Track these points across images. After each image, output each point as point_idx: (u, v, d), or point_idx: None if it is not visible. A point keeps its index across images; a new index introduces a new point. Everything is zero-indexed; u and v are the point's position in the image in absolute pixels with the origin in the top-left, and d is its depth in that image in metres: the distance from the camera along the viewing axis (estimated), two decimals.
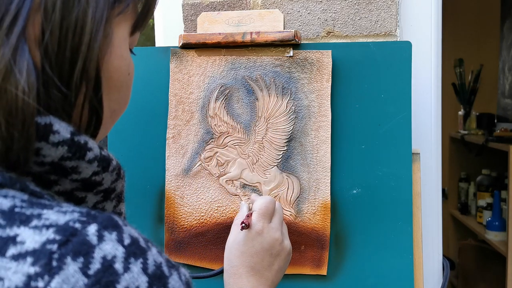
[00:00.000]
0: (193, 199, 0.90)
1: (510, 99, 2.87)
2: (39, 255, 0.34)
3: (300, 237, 0.87)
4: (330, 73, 0.87)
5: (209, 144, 0.91)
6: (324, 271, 0.86)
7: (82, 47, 0.42)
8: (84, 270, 0.34)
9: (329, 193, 0.87)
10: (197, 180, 0.90)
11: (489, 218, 2.48)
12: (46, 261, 0.34)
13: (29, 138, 0.39)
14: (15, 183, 0.39)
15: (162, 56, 0.93)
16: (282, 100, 0.89)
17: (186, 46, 0.92)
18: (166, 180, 0.91)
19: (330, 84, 0.87)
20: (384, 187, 0.86)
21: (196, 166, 0.91)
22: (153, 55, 0.94)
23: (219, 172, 0.90)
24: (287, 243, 0.73)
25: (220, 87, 0.91)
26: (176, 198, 0.91)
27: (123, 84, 0.50)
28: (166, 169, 0.91)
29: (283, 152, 0.89)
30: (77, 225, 0.36)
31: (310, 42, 0.97)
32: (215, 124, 0.91)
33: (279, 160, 0.89)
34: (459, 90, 2.88)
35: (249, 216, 0.71)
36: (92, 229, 0.36)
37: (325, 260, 0.86)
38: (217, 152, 0.91)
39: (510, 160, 2.16)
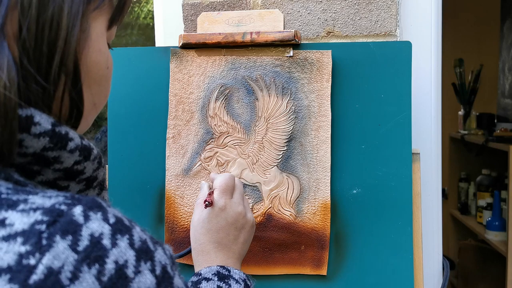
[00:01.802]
0: (193, 199, 0.90)
1: (510, 99, 2.87)
2: (29, 235, 0.35)
3: (300, 237, 0.87)
4: (330, 73, 0.87)
5: (209, 144, 0.91)
6: (324, 271, 0.86)
7: (59, 42, 0.44)
8: (73, 247, 0.36)
9: (329, 193, 0.87)
10: (197, 180, 0.90)
11: (489, 218, 2.48)
12: (36, 240, 0.35)
13: (12, 131, 0.41)
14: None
15: (162, 56, 0.93)
16: (282, 100, 0.89)
17: (186, 46, 0.92)
18: (166, 180, 0.91)
19: (330, 84, 0.87)
20: (384, 187, 0.86)
21: (196, 166, 0.91)
22: (153, 55, 0.94)
23: (219, 172, 0.90)
24: (250, 215, 0.74)
25: (220, 87, 0.91)
26: (176, 198, 0.91)
27: (102, 77, 0.51)
28: (166, 169, 0.91)
29: (283, 152, 0.89)
30: (63, 207, 0.37)
31: (310, 42, 0.97)
32: (215, 124, 0.91)
33: (279, 160, 0.89)
34: (459, 90, 2.88)
35: (210, 194, 0.72)
36: (77, 210, 0.38)
37: (325, 260, 0.86)
38: (217, 152, 0.91)
39: (510, 160, 2.16)
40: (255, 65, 0.90)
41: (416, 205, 0.86)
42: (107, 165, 0.94)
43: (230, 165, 0.90)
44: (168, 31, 1.12)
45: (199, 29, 0.92)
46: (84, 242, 0.36)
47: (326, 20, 0.98)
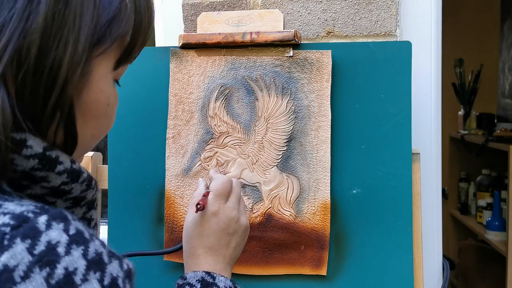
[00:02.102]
0: None
1: (510, 99, 2.87)
2: None
3: (300, 237, 0.87)
4: (330, 73, 0.87)
5: (209, 144, 0.91)
6: (324, 271, 0.86)
7: (55, 88, 0.47)
8: (30, 250, 0.40)
9: (329, 193, 0.87)
10: (197, 180, 0.90)
11: (489, 218, 2.48)
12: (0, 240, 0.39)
13: (5, 156, 0.45)
14: None
15: (162, 56, 0.93)
16: (282, 100, 0.89)
17: (186, 46, 0.92)
18: (166, 180, 0.91)
19: (330, 84, 0.87)
20: (384, 187, 0.86)
21: (196, 166, 0.91)
22: (153, 55, 0.94)
23: (219, 172, 0.90)
24: (243, 220, 0.74)
25: (220, 87, 0.91)
26: (176, 198, 0.91)
27: (101, 114, 0.55)
28: (166, 169, 0.91)
29: (283, 152, 0.89)
30: (30, 215, 0.42)
31: (310, 42, 0.97)
32: (215, 124, 0.91)
33: (279, 160, 0.89)
34: (459, 90, 2.88)
35: (205, 196, 0.72)
36: (42, 219, 0.42)
37: (325, 260, 0.86)
38: (217, 152, 0.91)
39: (510, 160, 2.16)
40: (255, 65, 0.90)
41: (416, 205, 0.86)
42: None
43: (230, 165, 0.90)
44: (168, 31, 1.12)
45: (199, 29, 0.92)
46: (40, 247, 0.40)
47: (326, 20, 0.98)
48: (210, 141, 0.91)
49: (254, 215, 0.89)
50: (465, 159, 2.92)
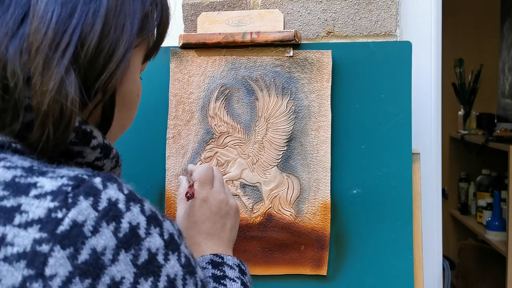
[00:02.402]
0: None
1: (510, 99, 2.87)
2: (57, 194, 0.42)
3: (300, 237, 0.87)
4: (330, 73, 0.87)
5: (209, 144, 0.91)
6: (324, 271, 0.86)
7: (110, 65, 0.50)
8: (94, 206, 0.42)
9: (329, 193, 0.87)
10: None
11: (489, 218, 2.48)
12: (63, 198, 0.42)
13: (68, 131, 0.48)
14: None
15: (162, 56, 0.93)
16: (282, 100, 0.89)
17: (186, 46, 0.92)
18: (166, 180, 0.91)
19: (330, 84, 0.87)
20: (384, 187, 0.86)
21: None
22: None
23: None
24: (233, 201, 0.75)
25: (220, 87, 0.91)
26: (176, 198, 0.91)
27: (132, 104, 0.59)
28: (166, 169, 0.91)
29: (283, 152, 0.89)
30: (85, 176, 0.44)
31: (310, 42, 0.97)
32: (215, 124, 0.91)
33: (279, 160, 0.89)
34: (459, 90, 2.88)
35: (191, 186, 0.73)
36: (97, 179, 0.44)
37: (325, 260, 0.86)
38: (217, 152, 0.91)
39: (510, 160, 2.16)
40: (255, 65, 0.90)
41: (416, 205, 0.86)
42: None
43: (230, 165, 0.90)
44: (168, 31, 1.12)
45: (199, 29, 0.92)
46: (103, 204, 0.42)
47: (326, 20, 0.98)
48: (210, 141, 0.91)
49: (254, 215, 0.89)
50: (465, 159, 2.92)
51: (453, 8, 2.91)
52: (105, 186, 0.44)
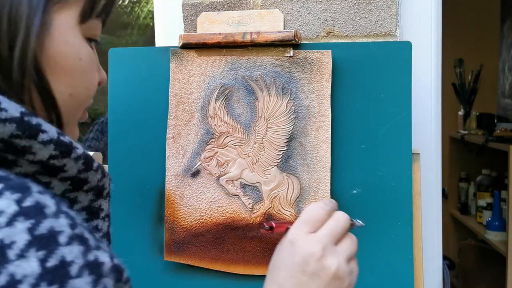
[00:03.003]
0: (193, 199, 0.90)
1: (510, 99, 2.87)
2: None
3: None
4: (330, 73, 0.87)
5: (209, 144, 0.91)
6: None
7: (19, 33, 0.46)
8: None
9: (329, 193, 0.87)
10: (197, 180, 0.90)
11: (489, 218, 2.48)
12: None
13: None
14: None
15: (162, 56, 0.93)
16: (282, 100, 0.89)
17: (186, 46, 0.92)
18: (166, 180, 0.91)
19: (330, 84, 0.87)
20: (384, 187, 0.86)
21: (196, 166, 0.91)
22: (153, 55, 0.94)
23: (219, 172, 0.90)
24: (333, 262, 0.55)
25: (220, 87, 0.91)
26: (176, 198, 0.91)
27: (74, 68, 0.51)
28: (166, 169, 0.91)
29: (283, 152, 0.89)
30: None
31: (310, 42, 0.98)
32: (215, 124, 0.91)
33: (279, 160, 0.89)
34: (459, 90, 2.88)
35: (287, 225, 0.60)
36: None
37: None
38: (217, 152, 0.91)
39: (510, 160, 2.16)
40: (255, 65, 0.90)
41: (416, 205, 0.86)
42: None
43: (230, 165, 0.90)
44: (168, 31, 1.12)
45: (199, 29, 0.92)
46: None
47: (326, 20, 0.98)
48: (210, 141, 0.91)
49: (254, 215, 0.89)
50: (465, 159, 2.91)
51: (453, 8, 2.91)
52: None
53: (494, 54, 3.09)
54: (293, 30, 0.87)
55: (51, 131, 0.46)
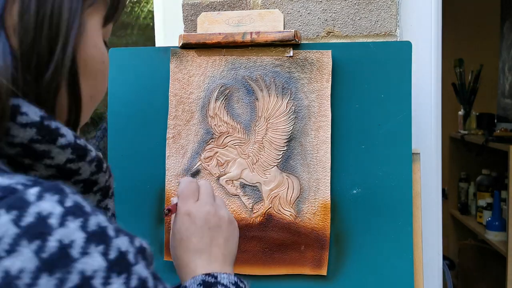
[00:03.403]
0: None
1: (510, 99, 2.87)
2: None
3: (300, 237, 0.87)
4: (330, 73, 0.87)
5: (209, 144, 0.91)
6: (324, 271, 0.86)
7: (59, 36, 0.46)
8: (16, 221, 0.37)
9: (329, 193, 0.87)
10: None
11: (489, 218, 2.48)
12: None
13: (2, 117, 0.42)
14: None
15: (162, 56, 0.93)
16: (282, 100, 0.89)
17: (186, 46, 0.92)
18: (166, 180, 0.91)
19: (330, 84, 0.87)
20: (384, 187, 0.86)
21: (196, 166, 0.91)
22: (153, 55, 0.94)
23: (219, 172, 0.90)
24: (223, 212, 0.67)
25: (220, 87, 0.91)
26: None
27: (98, 71, 0.53)
28: (166, 169, 0.91)
29: (283, 152, 0.89)
30: (19, 187, 0.39)
31: (310, 42, 0.98)
32: (215, 124, 0.91)
33: (279, 160, 0.89)
34: (459, 90, 2.88)
35: (176, 204, 0.68)
36: (33, 190, 0.39)
37: (325, 260, 0.86)
38: (217, 152, 0.91)
39: (510, 160, 2.16)
40: (255, 65, 0.90)
41: (416, 205, 0.86)
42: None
43: (230, 165, 0.90)
44: (168, 31, 1.12)
45: (199, 29, 0.92)
46: (28, 219, 0.37)
47: (326, 20, 0.98)
48: (210, 141, 0.91)
49: (254, 215, 0.89)
50: (465, 159, 2.91)
51: (453, 8, 2.91)
52: (39, 198, 0.38)
53: (494, 54, 3.09)
54: (293, 30, 0.87)
55: (68, 134, 0.47)
